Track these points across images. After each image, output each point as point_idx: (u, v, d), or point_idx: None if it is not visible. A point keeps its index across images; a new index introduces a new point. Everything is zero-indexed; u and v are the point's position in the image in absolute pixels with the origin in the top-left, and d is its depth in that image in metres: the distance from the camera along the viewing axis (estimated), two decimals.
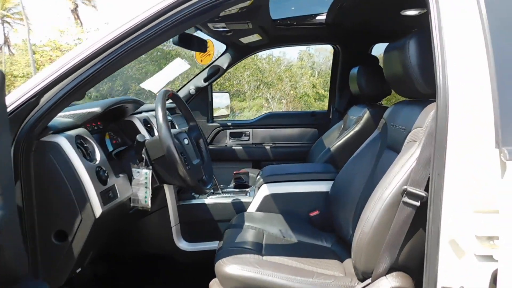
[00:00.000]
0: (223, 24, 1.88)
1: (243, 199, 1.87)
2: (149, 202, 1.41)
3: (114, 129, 1.64)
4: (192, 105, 2.82)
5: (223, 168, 2.90)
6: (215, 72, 2.68)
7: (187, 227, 1.89)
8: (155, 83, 2.40)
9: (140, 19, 1.01)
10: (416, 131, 1.24)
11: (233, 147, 2.89)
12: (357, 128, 2.12)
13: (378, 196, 1.22)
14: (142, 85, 2.48)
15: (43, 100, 1.05)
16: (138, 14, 1.01)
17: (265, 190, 1.82)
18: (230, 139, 2.92)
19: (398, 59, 1.28)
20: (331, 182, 1.78)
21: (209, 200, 1.86)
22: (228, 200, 1.87)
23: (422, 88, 1.21)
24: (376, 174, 1.51)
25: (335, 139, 2.44)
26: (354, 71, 2.28)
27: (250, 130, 2.92)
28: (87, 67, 1.03)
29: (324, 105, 11.19)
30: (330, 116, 2.82)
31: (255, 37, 2.32)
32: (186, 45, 1.86)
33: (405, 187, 1.15)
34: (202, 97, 2.81)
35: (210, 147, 2.90)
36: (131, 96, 1.94)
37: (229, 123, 2.93)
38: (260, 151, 2.88)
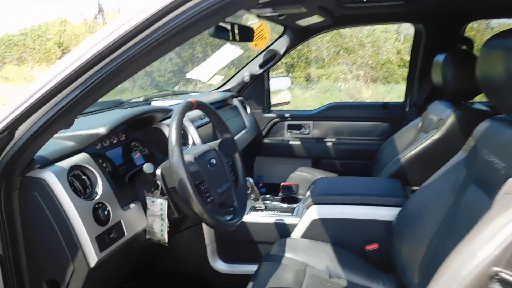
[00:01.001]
0: (270, 9, 1.55)
1: (288, 220, 1.59)
2: (166, 236, 1.20)
3: (141, 138, 1.44)
4: (246, 94, 2.55)
5: (278, 164, 2.63)
6: (272, 58, 2.35)
7: (224, 246, 1.68)
8: (204, 72, 2.16)
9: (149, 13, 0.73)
10: None
11: (291, 142, 2.59)
12: (436, 136, 1.69)
13: (453, 271, 0.87)
14: (190, 74, 2.25)
15: (18, 133, 0.85)
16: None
17: (314, 212, 1.52)
18: (288, 132, 2.62)
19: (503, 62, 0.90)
20: (397, 209, 1.43)
21: (249, 218, 1.62)
22: (271, 220, 1.60)
23: None
24: (458, 214, 1.14)
25: (409, 142, 2.02)
26: (440, 58, 1.81)
27: (310, 122, 2.58)
28: (73, 86, 0.80)
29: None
30: (406, 109, 2.37)
31: (315, 19, 1.94)
32: (224, 35, 1.57)
33: (496, 269, 0.79)
34: (258, 84, 2.52)
35: (266, 140, 2.63)
36: (159, 106, 1.69)
37: (288, 114, 2.61)
38: (321, 147, 2.55)
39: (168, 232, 1.23)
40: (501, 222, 0.84)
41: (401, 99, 2.49)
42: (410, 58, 2.36)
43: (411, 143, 1.98)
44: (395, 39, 11.48)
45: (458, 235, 1.06)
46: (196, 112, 1.76)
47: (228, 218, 1.22)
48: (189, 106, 1.17)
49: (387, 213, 1.46)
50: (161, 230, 1.19)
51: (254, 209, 1.67)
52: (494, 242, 0.83)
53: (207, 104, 1.27)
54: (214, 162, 1.24)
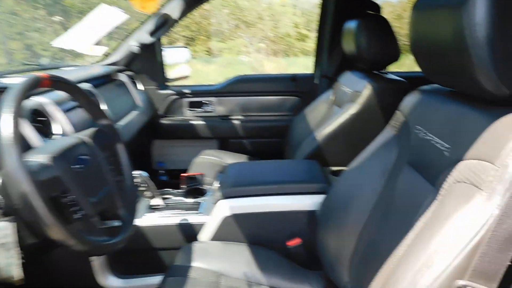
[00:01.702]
0: None
1: (194, 219, 1.32)
2: (19, 271, 0.83)
3: None
4: (137, 68, 2.15)
5: (180, 148, 2.32)
6: (164, 23, 1.99)
7: (117, 258, 1.35)
8: (77, 40, 1.72)
9: None
10: (478, 165, 0.69)
11: (193, 121, 2.28)
12: (353, 110, 1.53)
13: (406, 285, 0.70)
14: (56, 43, 1.79)
15: None
16: None
17: (225, 208, 1.27)
18: (188, 110, 2.30)
19: (448, 24, 0.71)
20: (320, 196, 1.24)
21: (146, 221, 1.30)
22: (173, 221, 1.31)
23: (494, 86, 0.67)
24: (393, 201, 0.98)
25: (322, 117, 1.86)
26: (351, 25, 1.65)
27: (214, 98, 2.29)
28: None
29: (306, 47, 10.48)
30: (317, 82, 2.21)
31: None
32: None
33: (461, 282, 0.63)
34: (150, 56, 2.14)
35: (163, 121, 2.28)
36: None
37: (188, 90, 2.28)
38: (227, 126, 2.28)
39: (27, 263, 0.87)
40: (460, 221, 0.67)
41: (307, 72, 2.34)
42: (318, 27, 2.19)
43: (325, 118, 1.83)
44: (292, 13, 11.66)
45: (396, 226, 0.90)
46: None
47: (111, 235, 0.89)
48: (35, 84, 0.80)
49: (309, 202, 1.26)
50: (8, 264, 0.82)
51: (151, 209, 1.35)
52: (454, 247, 0.66)
53: (67, 79, 0.90)
54: (85, 160, 0.89)
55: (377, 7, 2.01)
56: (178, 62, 2.33)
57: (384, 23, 1.59)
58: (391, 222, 0.94)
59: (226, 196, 1.28)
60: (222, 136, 2.29)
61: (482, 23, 0.66)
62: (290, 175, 1.37)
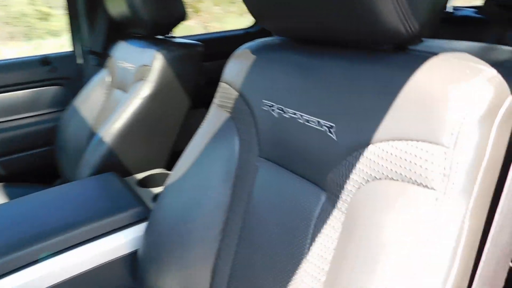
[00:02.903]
0: None
1: None
2: None
3: None
4: None
5: None
6: None
7: None
8: None
9: None
10: (409, 149, 0.44)
11: None
12: (146, 92, 1.12)
13: None
14: None
15: None
16: None
17: None
18: None
19: None
20: (137, 228, 0.83)
21: None
22: None
23: (397, 18, 0.40)
24: (255, 213, 0.67)
25: (101, 108, 1.39)
26: None
27: None
28: None
29: (53, 27, 8.97)
30: (80, 61, 1.66)
31: None
32: None
33: None
34: None
35: None
36: None
37: None
38: None
39: None
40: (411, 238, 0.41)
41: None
42: None
43: (107, 108, 1.36)
44: None
45: (274, 251, 0.60)
46: None
47: None
48: None
49: (122, 243, 0.83)
50: None
51: None
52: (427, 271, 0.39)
53: None
54: None
55: None
56: None
57: None
58: (264, 245, 0.63)
59: None
60: None
61: None
62: (81, 208, 0.88)
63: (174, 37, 1.32)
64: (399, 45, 0.50)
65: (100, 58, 1.52)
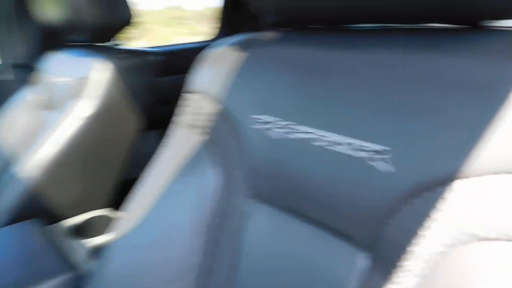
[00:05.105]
0: None
1: None
2: None
3: None
4: None
5: None
6: None
7: None
8: None
9: None
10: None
11: None
12: (87, 112, 0.89)
13: None
14: None
15: None
16: None
17: None
18: None
19: None
20: None
21: None
22: None
23: None
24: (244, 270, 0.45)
25: (30, 133, 1.12)
26: None
27: None
28: None
29: None
30: (4, 77, 1.36)
31: None
32: None
33: None
34: None
35: None
36: None
37: None
38: None
39: None
40: None
41: None
42: None
43: (30, 134, 1.09)
44: None
45: None
46: None
47: None
48: None
49: None
50: None
51: None
52: None
53: None
54: None
55: None
56: None
57: None
58: None
59: None
60: None
61: None
62: None
63: (117, 44, 1.09)
64: (477, 21, 0.32)
65: (25, 72, 1.24)
